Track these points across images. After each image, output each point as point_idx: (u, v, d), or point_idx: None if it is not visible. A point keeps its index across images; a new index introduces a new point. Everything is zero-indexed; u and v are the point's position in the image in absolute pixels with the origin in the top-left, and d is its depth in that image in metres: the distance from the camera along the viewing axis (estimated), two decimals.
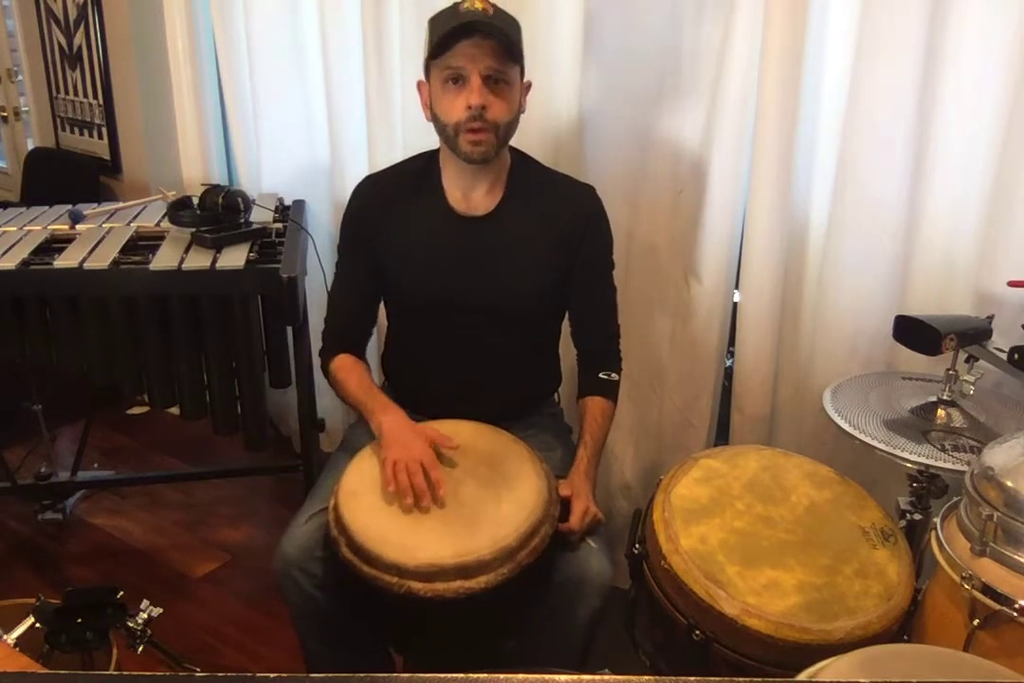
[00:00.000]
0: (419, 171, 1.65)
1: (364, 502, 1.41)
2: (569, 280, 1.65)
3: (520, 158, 1.65)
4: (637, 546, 1.46)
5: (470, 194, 1.61)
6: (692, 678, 0.81)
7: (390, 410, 1.56)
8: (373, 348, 1.82)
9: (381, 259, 1.65)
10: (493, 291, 1.62)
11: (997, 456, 1.24)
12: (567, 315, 1.73)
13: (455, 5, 1.49)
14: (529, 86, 1.59)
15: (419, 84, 1.58)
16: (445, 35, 1.45)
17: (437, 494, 1.40)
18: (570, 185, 1.67)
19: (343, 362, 1.68)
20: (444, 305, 1.63)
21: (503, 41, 1.45)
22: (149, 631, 1.56)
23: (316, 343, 2.40)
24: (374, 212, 1.65)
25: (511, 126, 1.54)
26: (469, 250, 1.62)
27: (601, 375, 1.68)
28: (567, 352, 1.83)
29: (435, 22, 1.51)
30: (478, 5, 1.47)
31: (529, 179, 1.64)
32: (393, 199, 1.64)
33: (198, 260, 1.95)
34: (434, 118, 1.55)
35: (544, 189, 1.64)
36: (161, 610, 1.58)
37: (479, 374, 1.68)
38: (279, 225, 2.15)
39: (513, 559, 1.33)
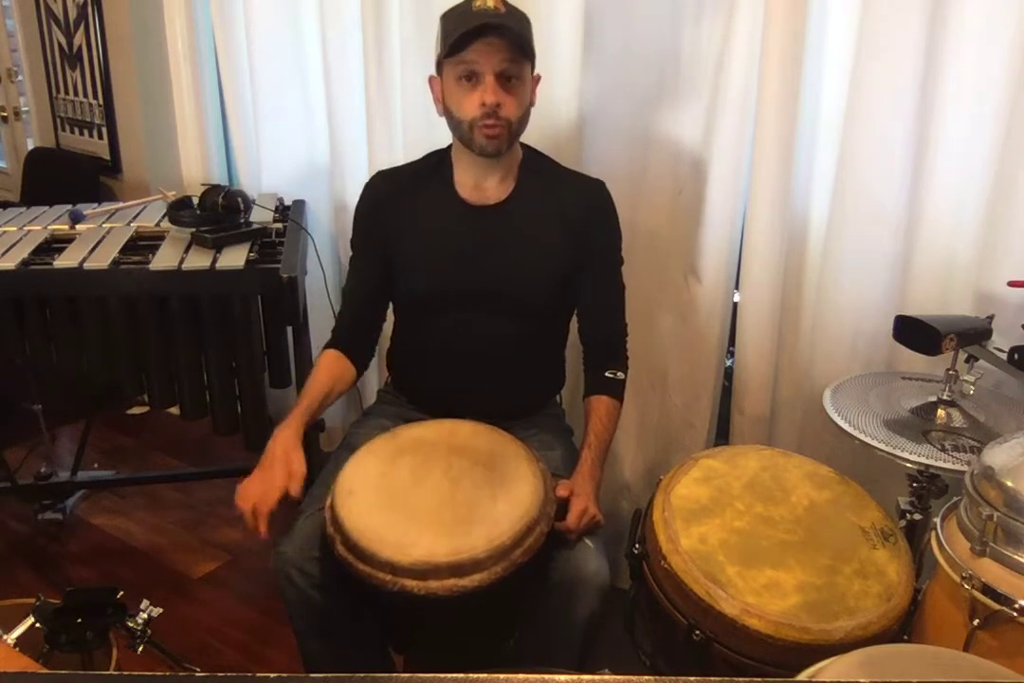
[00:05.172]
0: (431, 166, 1.67)
1: (360, 500, 1.41)
2: (578, 275, 1.66)
3: (532, 152, 1.67)
4: (637, 546, 1.46)
5: (482, 184, 1.62)
6: (692, 678, 0.81)
7: (291, 424, 1.52)
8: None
9: (392, 250, 1.66)
10: (502, 279, 1.62)
11: (997, 456, 1.24)
12: (575, 312, 1.73)
13: (467, 2, 1.50)
14: (539, 79, 1.60)
15: (431, 79, 1.60)
16: (460, 36, 1.45)
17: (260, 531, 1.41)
18: (581, 180, 1.69)
19: (325, 356, 1.68)
20: (453, 294, 1.64)
21: (516, 40, 1.47)
22: (149, 631, 1.56)
23: (316, 343, 2.40)
24: (386, 204, 1.66)
25: (523, 120, 1.56)
26: (480, 238, 1.63)
27: (607, 374, 1.68)
28: (572, 355, 1.83)
29: (448, 20, 1.52)
30: (490, 3, 1.48)
31: (540, 173, 1.66)
32: (404, 191, 1.66)
33: (198, 260, 1.95)
34: (447, 113, 1.56)
35: (555, 182, 1.66)
36: (161, 610, 1.58)
37: (484, 371, 1.68)
38: (279, 225, 2.15)
39: (507, 558, 1.32)
